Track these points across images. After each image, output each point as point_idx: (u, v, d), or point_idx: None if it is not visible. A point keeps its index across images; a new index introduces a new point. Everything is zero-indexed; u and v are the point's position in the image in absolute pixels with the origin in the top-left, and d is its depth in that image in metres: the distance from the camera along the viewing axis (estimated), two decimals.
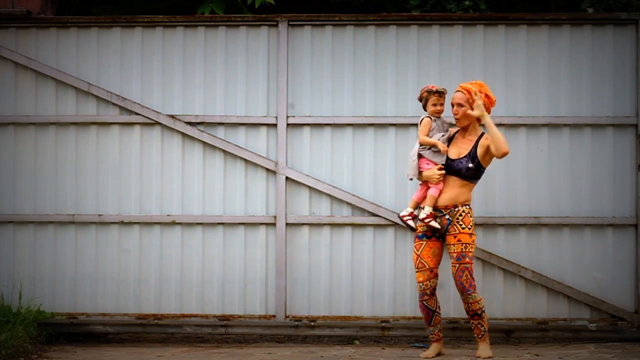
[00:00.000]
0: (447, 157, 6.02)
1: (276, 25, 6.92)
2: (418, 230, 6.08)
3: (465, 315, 6.75)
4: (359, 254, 6.86)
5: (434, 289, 6.06)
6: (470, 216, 6.00)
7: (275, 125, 6.90)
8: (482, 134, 6.05)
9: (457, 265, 5.94)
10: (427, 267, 6.01)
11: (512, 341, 6.76)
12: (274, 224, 6.88)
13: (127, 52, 6.98)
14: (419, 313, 6.78)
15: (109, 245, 6.95)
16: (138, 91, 6.96)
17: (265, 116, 6.92)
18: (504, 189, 6.79)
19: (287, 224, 6.86)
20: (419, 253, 6.04)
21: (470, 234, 5.97)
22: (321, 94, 6.92)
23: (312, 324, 6.78)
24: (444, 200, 5.99)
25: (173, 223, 6.92)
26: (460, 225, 5.96)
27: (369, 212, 6.83)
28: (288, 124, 6.89)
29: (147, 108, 6.92)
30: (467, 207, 6.00)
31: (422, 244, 6.04)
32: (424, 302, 6.06)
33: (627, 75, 6.80)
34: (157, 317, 6.88)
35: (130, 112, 6.94)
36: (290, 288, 6.86)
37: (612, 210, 6.78)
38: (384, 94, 6.89)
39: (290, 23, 6.90)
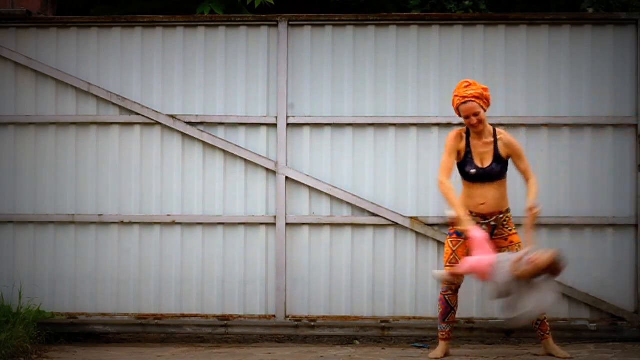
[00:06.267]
0: (477, 166, 5.89)
1: (276, 25, 6.92)
2: (457, 227, 5.99)
3: (464, 316, 6.76)
4: (359, 254, 6.86)
5: (459, 286, 6.03)
6: (511, 219, 5.98)
7: (275, 125, 6.90)
8: (494, 129, 5.95)
9: None
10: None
11: (512, 341, 6.76)
12: (274, 224, 6.88)
13: (127, 52, 6.98)
14: (419, 313, 6.80)
15: (109, 245, 6.95)
16: (138, 91, 6.96)
17: (265, 116, 6.92)
18: None
19: (287, 224, 6.86)
20: (454, 249, 5.96)
21: (517, 233, 5.96)
22: (321, 94, 6.92)
23: (312, 324, 6.79)
24: (489, 208, 5.89)
25: (173, 223, 6.92)
26: (507, 228, 5.94)
27: (369, 212, 6.83)
28: (288, 124, 6.89)
29: (147, 108, 6.93)
30: (509, 212, 5.97)
31: (459, 241, 5.94)
32: (446, 297, 6.02)
33: (627, 75, 6.80)
34: (157, 317, 6.88)
35: (130, 112, 6.94)
36: (290, 288, 6.86)
37: (612, 210, 6.78)
38: (384, 94, 6.89)
39: (290, 23, 6.90)
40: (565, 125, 6.82)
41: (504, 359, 6.07)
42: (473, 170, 5.89)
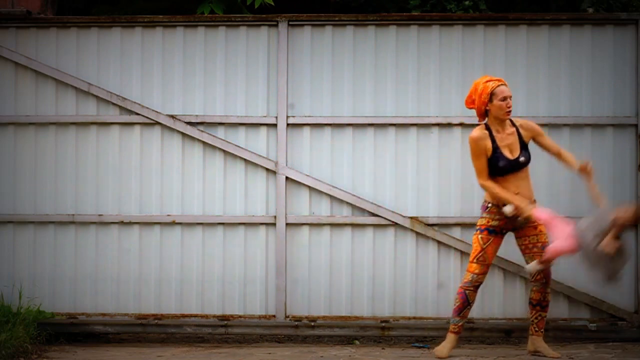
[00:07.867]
0: (507, 159, 5.91)
1: (276, 25, 6.92)
2: (488, 224, 5.99)
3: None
4: (359, 254, 6.86)
5: (481, 284, 6.03)
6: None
7: (275, 125, 6.90)
8: (512, 121, 6.03)
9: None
10: (487, 262, 5.98)
11: (512, 341, 6.76)
12: (274, 224, 6.88)
13: (127, 52, 6.98)
14: (419, 313, 6.80)
15: (109, 245, 6.95)
16: (138, 91, 6.96)
17: (265, 116, 6.93)
18: None
19: (287, 224, 6.86)
20: (484, 247, 5.96)
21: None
22: (321, 94, 6.92)
23: (312, 324, 6.79)
24: (523, 196, 5.92)
25: (173, 223, 6.92)
26: None
27: (369, 212, 6.83)
28: (288, 124, 6.89)
29: (147, 108, 6.93)
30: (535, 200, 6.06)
31: (490, 239, 5.96)
32: (466, 292, 5.99)
33: (627, 75, 6.80)
34: (157, 317, 6.88)
35: (130, 112, 6.94)
36: (290, 288, 6.86)
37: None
38: (384, 94, 6.89)
39: (290, 23, 6.90)
40: (565, 125, 6.82)
41: (504, 359, 6.07)
42: (506, 164, 5.91)
